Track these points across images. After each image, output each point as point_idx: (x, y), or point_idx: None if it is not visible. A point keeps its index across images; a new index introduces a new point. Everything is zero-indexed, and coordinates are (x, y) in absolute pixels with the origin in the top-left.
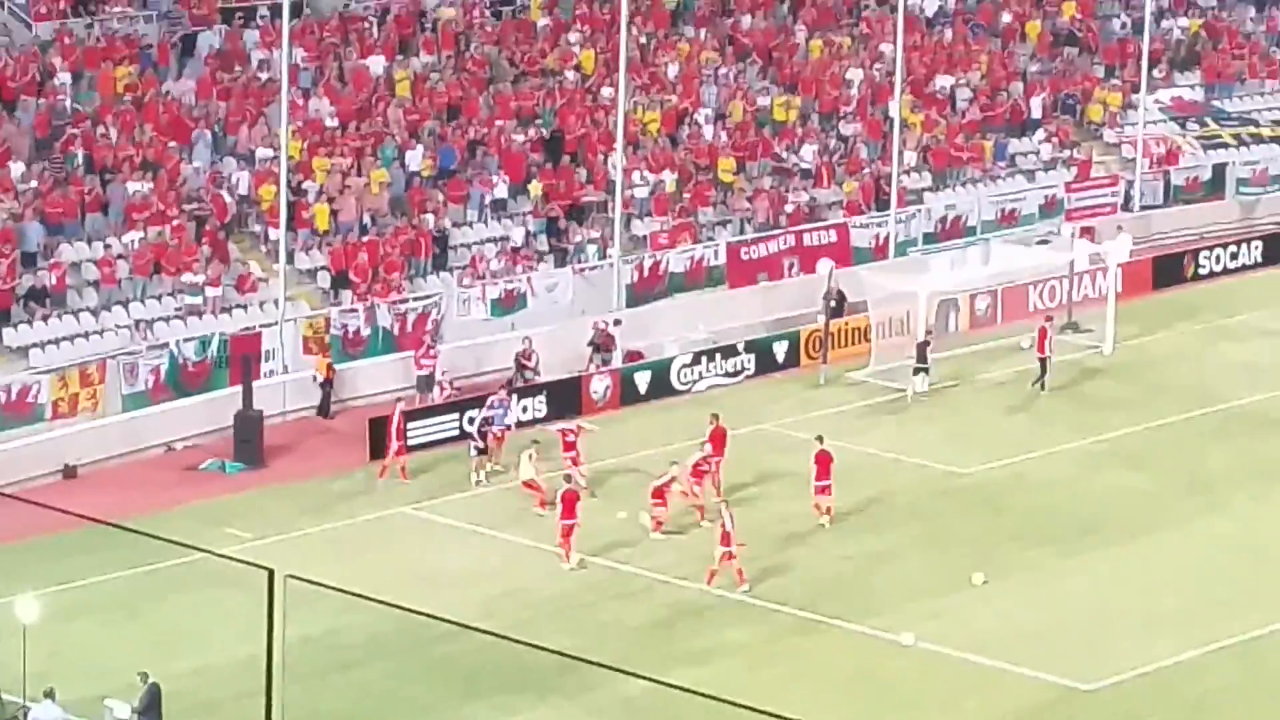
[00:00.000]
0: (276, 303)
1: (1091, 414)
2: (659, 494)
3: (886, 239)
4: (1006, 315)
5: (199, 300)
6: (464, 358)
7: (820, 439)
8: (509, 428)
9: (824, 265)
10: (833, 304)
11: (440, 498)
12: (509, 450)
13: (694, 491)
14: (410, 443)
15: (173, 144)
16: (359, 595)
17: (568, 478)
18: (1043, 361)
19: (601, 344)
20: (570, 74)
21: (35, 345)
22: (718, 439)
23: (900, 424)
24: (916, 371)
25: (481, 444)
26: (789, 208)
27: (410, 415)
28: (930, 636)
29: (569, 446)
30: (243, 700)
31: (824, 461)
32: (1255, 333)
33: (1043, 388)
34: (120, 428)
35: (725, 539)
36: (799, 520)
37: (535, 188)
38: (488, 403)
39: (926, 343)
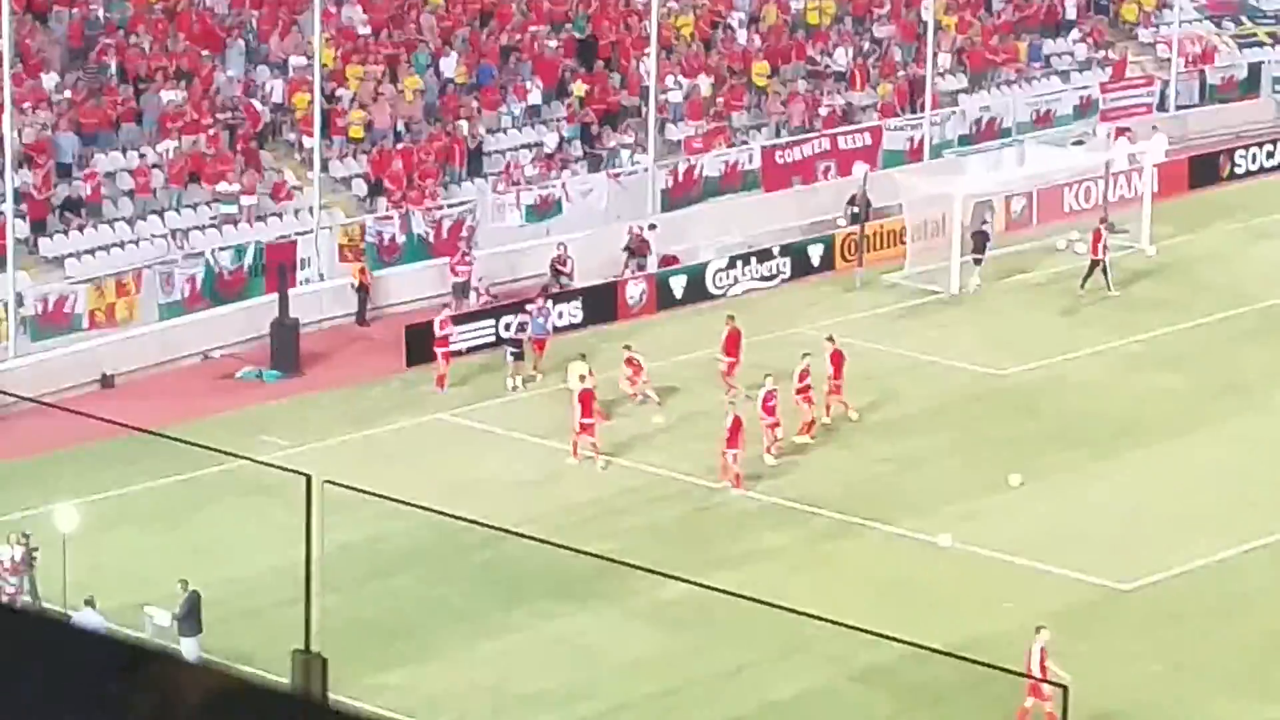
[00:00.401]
0: (311, 211)
1: (1128, 314)
2: (768, 409)
3: (921, 141)
4: (1042, 216)
5: (234, 209)
6: (499, 264)
7: (831, 339)
8: (548, 334)
9: (859, 168)
10: (855, 210)
11: (477, 404)
12: (549, 357)
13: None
14: (449, 349)
15: (206, 53)
16: (397, 500)
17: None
18: (1094, 263)
19: (636, 249)
20: None
21: (71, 255)
22: (732, 341)
23: (937, 326)
24: (977, 263)
25: (518, 349)
26: (823, 111)
27: (448, 322)
28: (967, 538)
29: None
30: (282, 607)
31: (838, 361)
32: None
33: (1107, 286)
34: (157, 337)
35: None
36: (835, 422)
37: (578, 88)
38: (526, 309)
39: (984, 233)
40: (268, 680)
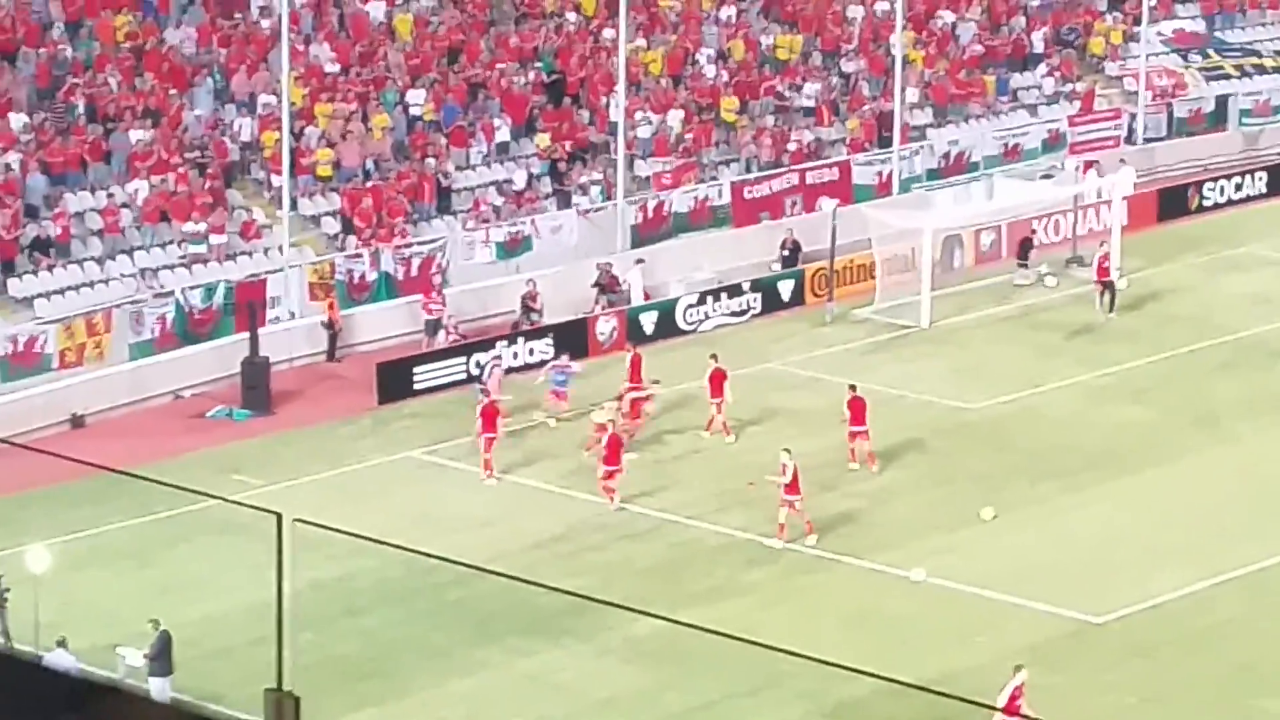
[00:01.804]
0: (281, 249)
1: (1097, 347)
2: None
3: (890, 176)
4: (1011, 250)
5: (203, 248)
6: (469, 301)
7: (854, 387)
8: (566, 388)
9: (827, 204)
10: (786, 254)
11: (447, 441)
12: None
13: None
14: (418, 387)
15: (174, 92)
16: (368, 539)
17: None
18: (1106, 285)
19: (606, 285)
20: (571, 15)
21: (41, 295)
22: (716, 381)
23: (906, 360)
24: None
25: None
26: (792, 146)
27: (417, 360)
28: (940, 572)
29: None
30: (253, 646)
31: (858, 408)
32: (1260, 263)
33: (1110, 308)
34: (127, 376)
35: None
36: (806, 459)
37: (541, 139)
38: (549, 365)
39: (1029, 240)
40: None
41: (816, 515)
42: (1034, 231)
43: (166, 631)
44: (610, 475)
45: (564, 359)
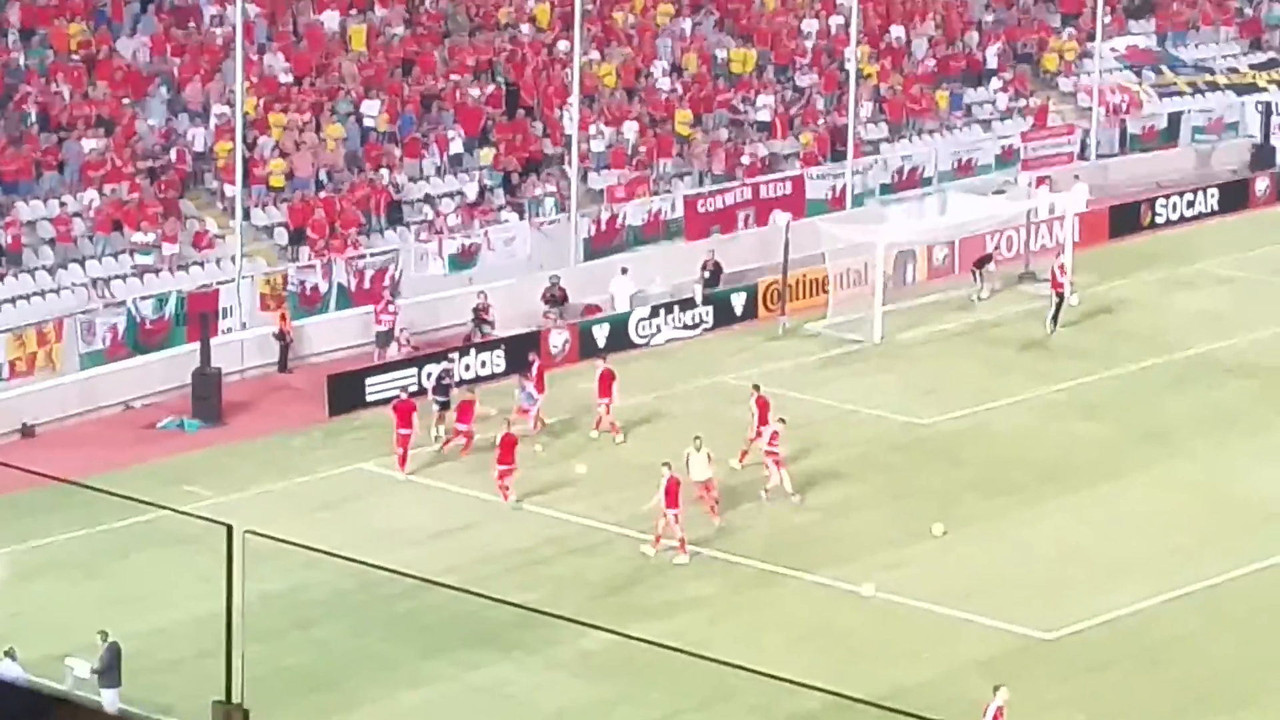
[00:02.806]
0: (233, 259)
1: (1050, 363)
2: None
3: (843, 190)
4: (964, 265)
5: (155, 258)
6: (421, 313)
7: (757, 386)
8: (535, 402)
9: (780, 218)
10: (707, 275)
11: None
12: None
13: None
14: (370, 398)
15: (127, 101)
16: (319, 551)
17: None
18: (1060, 298)
19: (557, 297)
20: (525, 28)
21: None
22: (604, 381)
23: (858, 375)
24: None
25: (445, 400)
26: (745, 160)
27: (369, 371)
28: (891, 587)
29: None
30: (203, 658)
31: (764, 407)
32: (1212, 280)
33: (1054, 323)
34: (78, 386)
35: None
36: (759, 471)
37: (485, 154)
38: (523, 382)
39: (986, 258)
40: None
41: (768, 530)
42: (996, 250)
43: (115, 643)
44: (505, 474)
45: (529, 380)
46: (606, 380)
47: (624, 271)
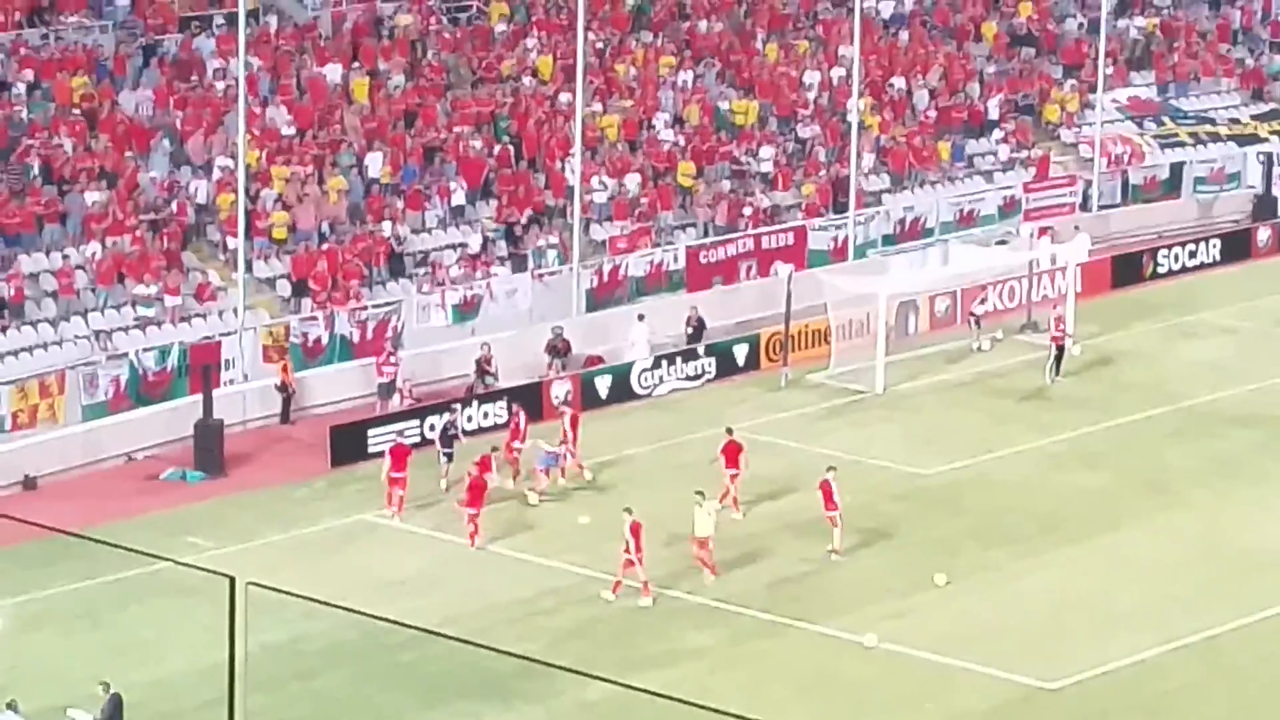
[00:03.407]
0: (236, 311)
1: (1051, 413)
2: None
3: (845, 241)
4: (966, 316)
5: (157, 310)
6: (424, 364)
7: (730, 431)
8: (559, 460)
9: (783, 269)
10: (690, 331)
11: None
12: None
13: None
14: (372, 450)
15: (130, 154)
16: (321, 602)
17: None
18: (1060, 349)
19: (560, 348)
20: (528, 80)
21: None
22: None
23: (860, 425)
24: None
25: (451, 451)
26: (747, 211)
27: (371, 423)
28: (893, 637)
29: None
30: (205, 710)
31: (732, 451)
32: (1213, 331)
33: (1054, 373)
34: (80, 438)
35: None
36: (760, 522)
37: (485, 212)
38: (545, 451)
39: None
40: None
41: (770, 579)
42: (981, 302)
43: (117, 694)
44: (473, 518)
45: (552, 448)
46: (574, 424)
47: (641, 318)
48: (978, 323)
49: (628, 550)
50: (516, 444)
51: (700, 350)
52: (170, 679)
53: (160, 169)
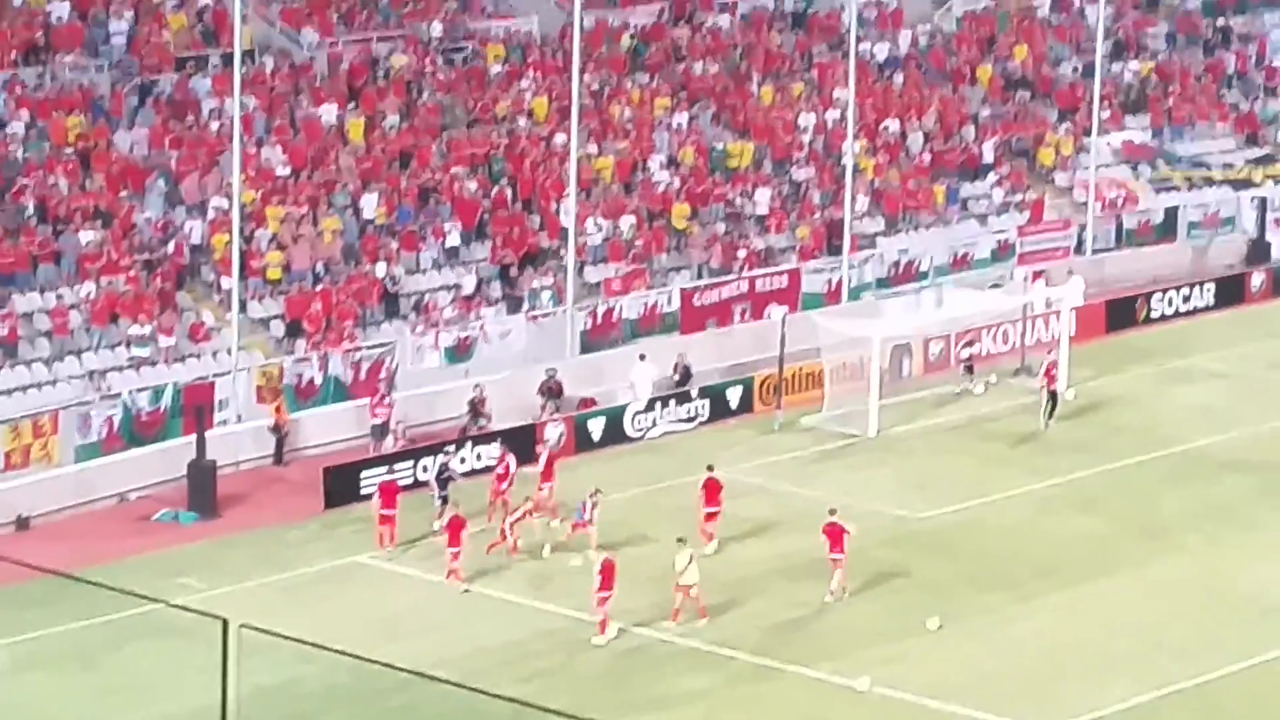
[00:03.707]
0: (230, 352)
1: (1045, 457)
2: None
3: (839, 284)
4: (956, 360)
5: (151, 350)
6: (417, 405)
7: (711, 468)
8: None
9: (777, 311)
10: (677, 378)
11: (394, 546)
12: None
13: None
14: (365, 491)
15: (124, 193)
16: (313, 644)
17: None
18: (1053, 395)
19: (553, 390)
20: (523, 120)
21: None
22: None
23: (854, 469)
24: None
25: (445, 494)
26: (742, 253)
27: (365, 464)
28: (886, 681)
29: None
30: None
31: (713, 489)
32: (1208, 375)
33: (1050, 417)
34: (73, 478)
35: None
36: (754, 565)
37: (480, 249)
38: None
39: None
40: None
41: (762, 623)
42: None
43: None
44: (455, 557)
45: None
46: (549, 465)
47: (643, 358)
48: (969, 368)
49: (601, 587)
50: (504, 485)
51: (693, 393)
52: None
53: (155, 209)
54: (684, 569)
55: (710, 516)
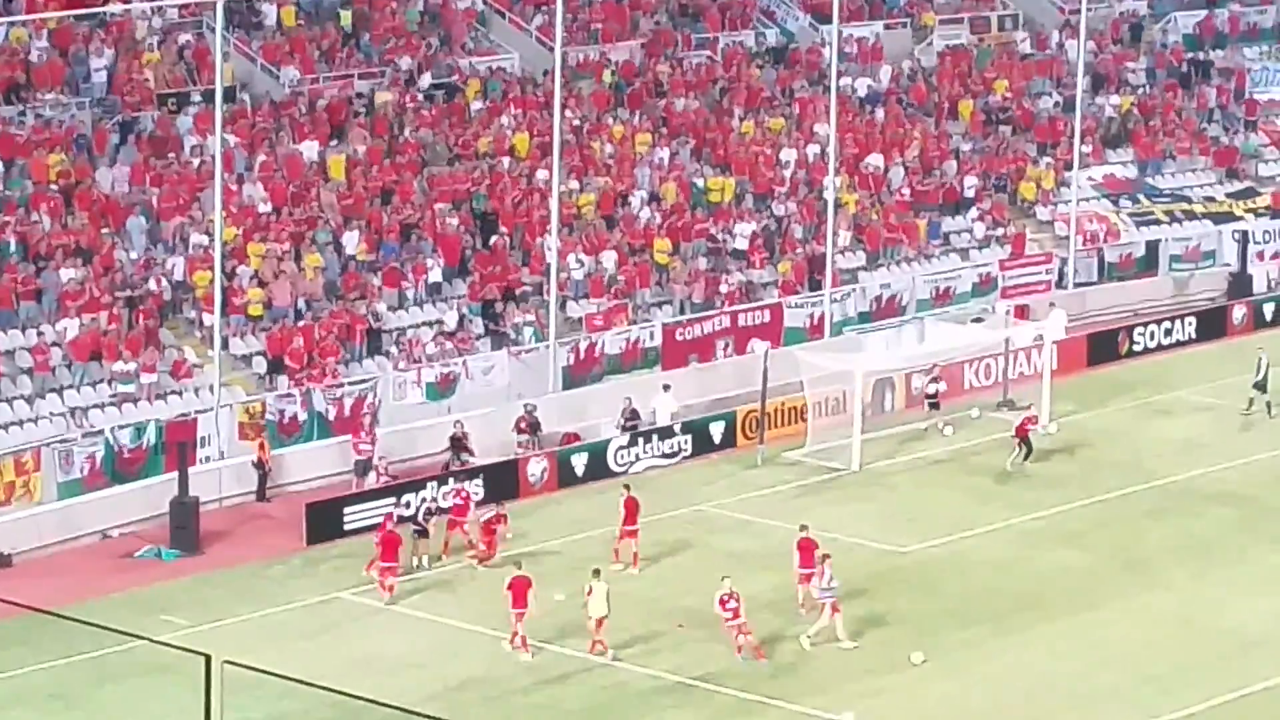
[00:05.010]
0: (212, 388)
1: (1028, 492)
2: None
3: (822, 318)
4: (943, 394)
5: (134, 387)
6: (399, 441)
7: (627, 486)
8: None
9: (759, 346)
10: (625, 421)
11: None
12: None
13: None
14: (348, 527)
15: (106, 231)
16: (297, 680)
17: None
18: (1023, 440)
19: (528, 427)
20: (505, 158)
21: None
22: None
23: (837, 503)
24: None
25: (422, 529)
26: (724, 288)
27: (347, 500)
28: (870, 716)
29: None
30: None
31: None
32: (1190, 409)
33: (1013, 460)
34: (56, 515)
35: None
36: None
37: (462, 285)
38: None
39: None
40: None
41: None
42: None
43: None
44: (386, 572)
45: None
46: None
47: (666, 388)
48: (934, 405)
49: (513, 604)
50: (460, 518)
51: (677, 428)
52: None
53: (137, 246)
54: (592, 602)
55: (629, 534)
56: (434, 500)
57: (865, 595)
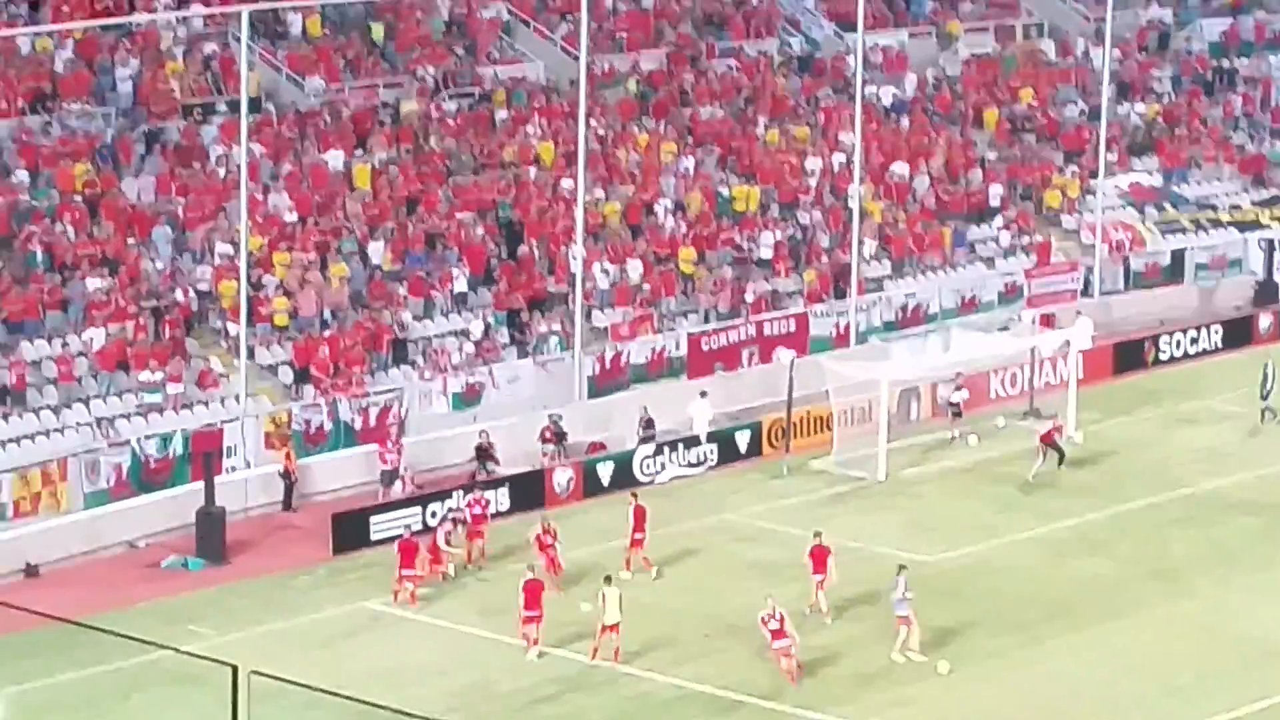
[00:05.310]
0: (238, 398)
1: (1054, 500)
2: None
3: (847, 327)
4: (968, 402)
5: (160, 397)
6: (425, 451)
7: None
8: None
9: (784, 355)
10: (640, 431)
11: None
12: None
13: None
14: (374, 537)
15: (132, 241)
16: (323, 691)
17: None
18: (1050, 446)
19: (553, 437)
20: (530, 166)
21: None
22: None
23: (863, 512)
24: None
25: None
26: (749, 297)
27: (373, 510)
28: None
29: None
30: None
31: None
32: (1215, 417)
33: (1032, 472)
34: (82, 526)
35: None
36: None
37: (487, 294)
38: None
39: (957, 409)
40: None
41: (770, 667)
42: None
43: None
44: (403, 579)
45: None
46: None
47: (703, 395)
48: (957, 413)
49: (525, 606)
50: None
51: (703, 437)
52: None
53: (162, 256)
54: (605, 608)
55: (636, 543)
56: (457, 509)
57: (891, 604)
